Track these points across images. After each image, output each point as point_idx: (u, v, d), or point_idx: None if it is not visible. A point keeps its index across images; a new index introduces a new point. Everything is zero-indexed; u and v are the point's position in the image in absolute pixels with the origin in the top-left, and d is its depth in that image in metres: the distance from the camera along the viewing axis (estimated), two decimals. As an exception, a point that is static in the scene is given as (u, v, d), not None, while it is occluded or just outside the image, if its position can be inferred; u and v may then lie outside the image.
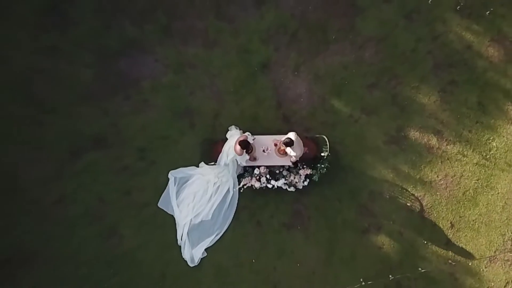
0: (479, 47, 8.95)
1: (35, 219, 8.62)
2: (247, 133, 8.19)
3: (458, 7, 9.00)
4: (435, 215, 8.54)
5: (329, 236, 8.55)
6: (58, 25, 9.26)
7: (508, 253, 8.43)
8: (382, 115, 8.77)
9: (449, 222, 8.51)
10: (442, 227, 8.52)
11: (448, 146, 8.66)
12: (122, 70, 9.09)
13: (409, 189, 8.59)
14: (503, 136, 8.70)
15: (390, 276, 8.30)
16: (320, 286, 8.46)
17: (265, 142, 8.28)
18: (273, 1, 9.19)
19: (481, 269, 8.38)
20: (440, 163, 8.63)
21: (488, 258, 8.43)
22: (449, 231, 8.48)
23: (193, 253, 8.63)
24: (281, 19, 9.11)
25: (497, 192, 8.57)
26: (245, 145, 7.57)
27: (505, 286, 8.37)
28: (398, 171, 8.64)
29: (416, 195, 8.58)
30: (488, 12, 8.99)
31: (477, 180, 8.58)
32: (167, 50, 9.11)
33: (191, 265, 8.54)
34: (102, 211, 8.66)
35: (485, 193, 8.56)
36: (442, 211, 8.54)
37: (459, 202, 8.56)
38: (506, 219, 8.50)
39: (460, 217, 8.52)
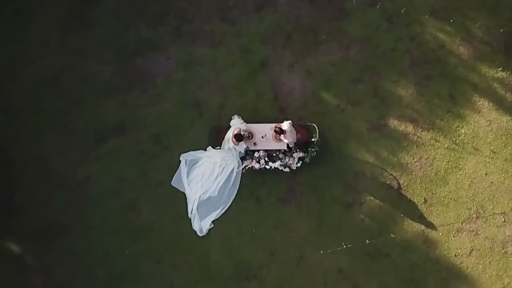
0: (451, 46, 9.86)
1: (67, 196, 9.70)
2: (241, 124, 9.24)
3: (427, 15, 10.02)
4: (410, 192, 9.44)
5: (319, 209, 9.48)
6: (82, 27, 10.28)
7: (473, 224, 9.40)
8: (365, 105, 9.71)
9: (422, 198, 9.40)
10: (416, 202, 9.41)
11: (422, 133, 9.55)
12: (138, 67, 10.13)
13: (388, 170, 9.50)
14: (471, 124, 9.55)
15: (367, 240, 9.35)
16: (311, 251, 9.41)
17: (264, 130, 9.26)
18: (271, 6, 10.17)
19: (450, 238, 9.25)
20: (415, 147, 9.54)
21: (456, 229, 9.30)
22: (422, 206, 9.37)
23: (201, 224, 9.44)
24: (278, 23, 10.07)
25: (464, 172, 9.44)
26: (239, 138, 8.78)
27: (470, 253, 9.30)
28: (378, 154, 9.57)
29: (394, 175, 9.49)
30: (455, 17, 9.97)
31: (448, 162, 9.47)
32: (178, 50, 10.12)
33: (200, 235, 9.42)
34: (123, 189, 9.70)
35: (454, 173, 9.44)
36: (417, 189, 9.44)
37: (432, 181, 9.44)
38: (472, 195, 9.36)
39: (432, 193, 9.41)
